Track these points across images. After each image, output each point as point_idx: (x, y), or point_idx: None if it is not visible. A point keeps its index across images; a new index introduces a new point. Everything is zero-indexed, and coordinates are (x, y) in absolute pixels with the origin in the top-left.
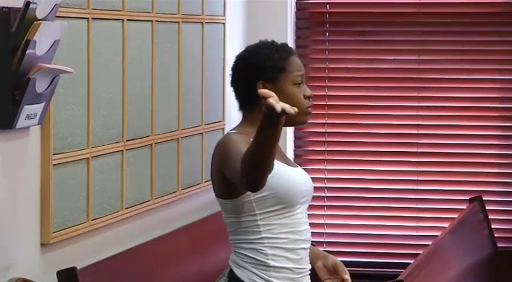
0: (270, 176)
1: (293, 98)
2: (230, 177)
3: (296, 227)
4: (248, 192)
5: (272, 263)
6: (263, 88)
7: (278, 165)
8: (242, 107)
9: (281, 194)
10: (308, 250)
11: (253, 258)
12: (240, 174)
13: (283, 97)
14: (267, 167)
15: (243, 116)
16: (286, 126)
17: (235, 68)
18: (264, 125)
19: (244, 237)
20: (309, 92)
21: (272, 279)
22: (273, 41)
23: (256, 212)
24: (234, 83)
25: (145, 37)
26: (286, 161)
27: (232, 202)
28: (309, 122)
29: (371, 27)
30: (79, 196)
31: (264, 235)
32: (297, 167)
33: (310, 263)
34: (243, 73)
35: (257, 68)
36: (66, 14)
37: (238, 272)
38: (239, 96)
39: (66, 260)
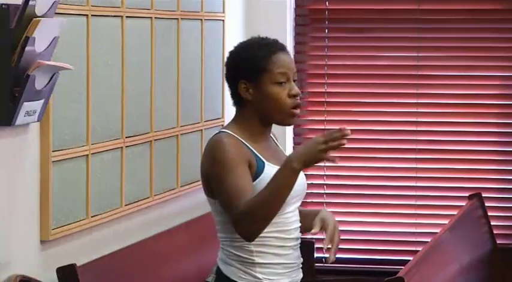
0: (258, 180)
1: (274, 97)
2: (220, 202)
3: (284, 226)
4: None
5: (257, 259)
6: (244, 87)
7: (269, 168)
8: (233, 103)
9: None
10: (298, 247)
11: (239, 255)
12: (238, 218)
13: (263, 97)
14: (268, 222)
15: (235, 112)
16: (273, 123)
17: (226, 65)
18: (286, 177)
19: (230, 236)
20: (295, 90)
21: (257, 275)
22: (261, 38)
23: None
24: (226, 80)
25: (145, 34)
26: (276, 159)
27: (218, 201)
28: (308, 118)
29: (370, 24)
30: (78, 193)
31: None
32: None
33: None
34: (228, 71)
35: (238, 67)
36: (66, 11)
37: (225, 269)
38: (230, 92)
39: (65, 256)
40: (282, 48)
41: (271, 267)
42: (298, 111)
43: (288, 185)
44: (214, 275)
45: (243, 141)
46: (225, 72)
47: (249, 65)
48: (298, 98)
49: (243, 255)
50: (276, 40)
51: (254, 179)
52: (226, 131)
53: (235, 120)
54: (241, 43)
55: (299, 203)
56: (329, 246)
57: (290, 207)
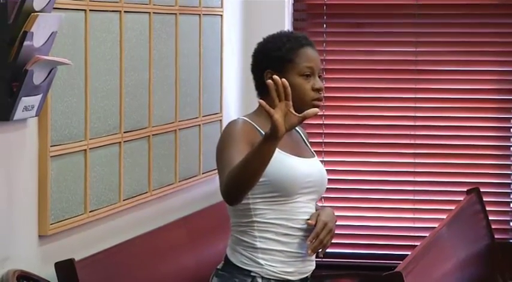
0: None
1: (299, 89)
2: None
3: (291, 215)
4: None
5: (259, 244)
6: (270, 77)
7: (277, 154)
8: (258, 94)
9: (275, 182)
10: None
11: (243, 240)
12: (223, 185)
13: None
14: (247, 189)
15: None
16: None
17: (252, 56)
18: (261, 145)
19: (238, 220)
20: (318, 84)
21: (259, 260)
22: (291, 32)
23: (249, 196)
24: (251, 70)
25: (143, 29)
26: (295, 150)
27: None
28: None
29: (368, 19)
30: (77, 188)
31: (254, 219)
32: (312, 157)
33: None
34: (255, 61)
35: (265, 57)
36: (64, 6)
37: (231, 255)
38: (254, 83)
39: (63, 251)
40: (310, 43)
41: (273, 253)
42: (319, 103)
43: (260, 151)
44: (223, 261)
45: (258, 128)
46: (252, 62)
47: (276, 55)
48: (321, 92)
49: (246, 240)
50: (305, 35)
51: None
52: (243, 117)
53: (256, 110)
54: (270, 35)
55: (314, 197)
56: (308, 242)
57: (301, 197)
